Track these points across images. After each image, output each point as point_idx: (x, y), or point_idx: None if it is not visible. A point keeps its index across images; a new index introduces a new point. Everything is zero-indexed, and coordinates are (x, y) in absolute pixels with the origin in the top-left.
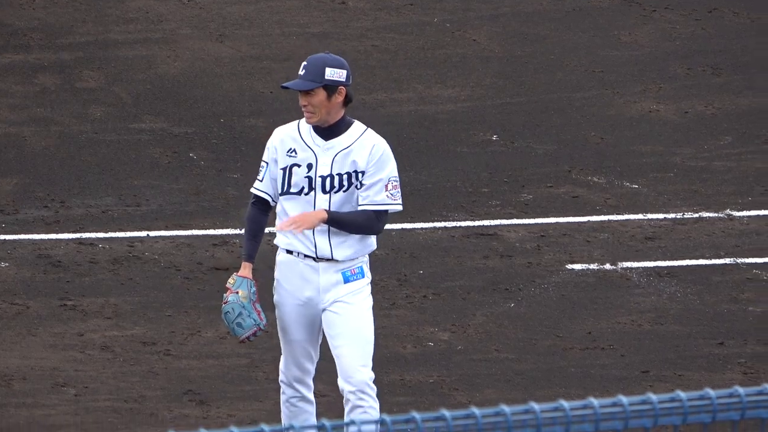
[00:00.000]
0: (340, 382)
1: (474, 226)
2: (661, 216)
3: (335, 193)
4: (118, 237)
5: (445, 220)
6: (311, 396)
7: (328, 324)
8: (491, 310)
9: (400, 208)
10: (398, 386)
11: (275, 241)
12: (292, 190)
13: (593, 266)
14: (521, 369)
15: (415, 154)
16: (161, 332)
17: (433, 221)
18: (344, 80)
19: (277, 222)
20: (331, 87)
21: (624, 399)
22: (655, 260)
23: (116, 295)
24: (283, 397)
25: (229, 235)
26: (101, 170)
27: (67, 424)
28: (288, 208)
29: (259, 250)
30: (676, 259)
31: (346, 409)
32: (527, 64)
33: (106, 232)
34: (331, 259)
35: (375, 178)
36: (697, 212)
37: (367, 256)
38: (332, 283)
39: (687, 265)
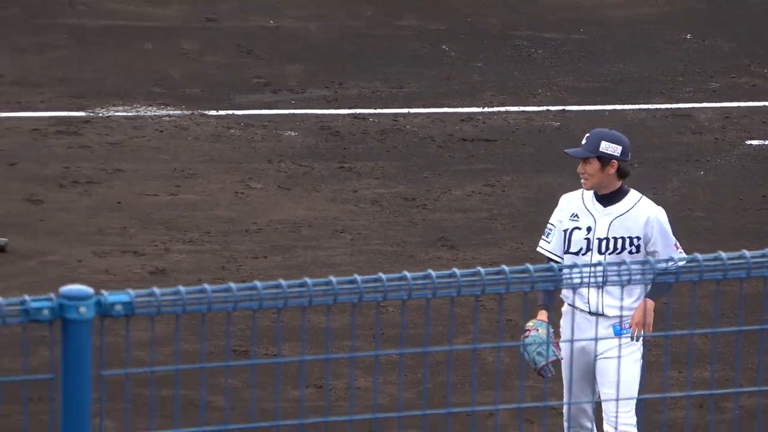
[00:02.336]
0: (605, 425)
1: (671, 108)
2: None
3: (609, 254)
4: (385, 113)
5: (648, 103)
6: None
7: (599, 371)
8: (685, 177)
9: (684, 258)
10: None
11: (561, 295)
12: (571, 249)
13: None
14: (708, 225)
15: (625, 49)
16: (419, 190)
17: (638, 104)
18: (618, 155)
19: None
20: (604, 159)
21: None
22: None
23: (384, 159)
24: (565, 425)
25: (473, 112)
26: (372, 58)
27: (344, 263)
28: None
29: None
30: None
31: None
32: None
33: (375, 108)
34: (602, 315)
35: (663, 246)
36: None
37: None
38: (604, 336)
39: None
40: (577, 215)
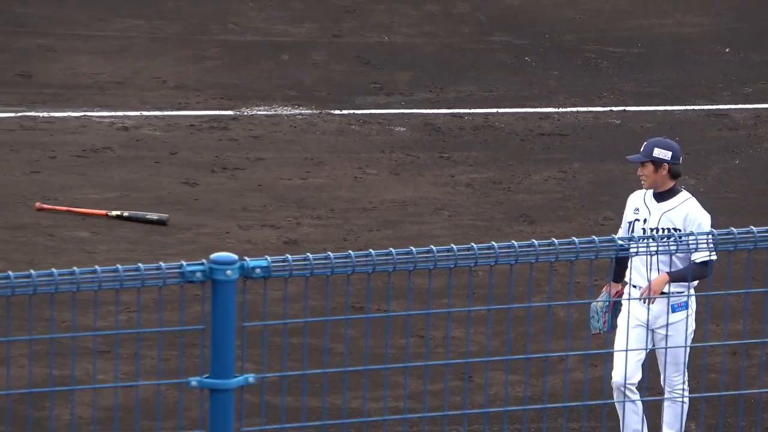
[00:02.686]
0: (663, 384)
1: (712, 109)
2: None
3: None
4: (478, 112)
5: (693, 105)
6: (635, 396)
7: (656, 342)
8: (723, 165)
9: (715, 257)
10: None
11: (626, 277)
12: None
13: None
14: (743, 204)
15: (675, 60)
16: (505, 175)
17: (685, 105)
18: (668, 159)
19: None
20: (657, 163)
21: None
22: None
23: (476, 150)
24: (615, 393)
25: (550, 112)
26: (468, 67)
27: (443, 235)
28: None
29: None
30: None
31: (666, 403)
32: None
33: (470, 108)
34: (661, 293)
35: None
36: None
37: (692, 290)
38: (661, 311)
39: None
40: (638, 209)
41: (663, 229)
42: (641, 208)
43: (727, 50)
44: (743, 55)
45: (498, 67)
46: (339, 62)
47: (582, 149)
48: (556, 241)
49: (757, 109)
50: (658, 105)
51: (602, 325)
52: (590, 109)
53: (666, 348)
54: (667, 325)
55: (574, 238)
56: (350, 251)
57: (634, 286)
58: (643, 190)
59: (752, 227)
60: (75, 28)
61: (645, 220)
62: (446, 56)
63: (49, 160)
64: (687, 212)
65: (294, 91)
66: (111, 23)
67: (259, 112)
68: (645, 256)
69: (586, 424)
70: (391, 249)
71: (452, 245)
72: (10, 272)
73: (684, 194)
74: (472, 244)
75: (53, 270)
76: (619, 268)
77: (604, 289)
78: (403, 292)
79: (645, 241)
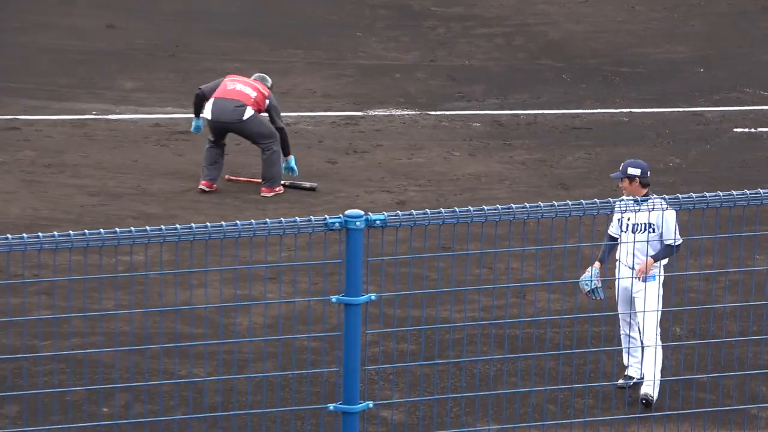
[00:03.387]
0: (642, 336)
1: (691, 110)
2: None
3: (639, 233)
4: (528, 113)
5: (677, 107)
6: (636, 336)
7: (634, 304)
8: (699, 150)
9: (680, 241)
10: None
11: (616, 255)
12: (622, 229)
13: None
14: (712, 176)
15: (664, 76)
16: (548, 156)
17: (672, 108)
18: (639, 174)
19: (618, 249)
20: (630, 178)
21: None
22: None
23: (528, 139)
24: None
25: (579, 113)
26: (522, 82)
27: (505, 197)
28: (623, 239)
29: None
30: None
31: (645, 353)
32: None
33: (523, 110)
34: (633, 268)
35: (666, 231)
36: None
37: (660, 266)
38: (638, 282)
39: None
40: (623, 210)
41: (642, 224)
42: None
43: (701, 70)
44: (713, 72)
45: (543, 81)
46: (434, 78)
47: (601, 138)
48: (583, 201)
49: (723, 110)
50: (654, 108)
51: (591, 286)
52: (607, 110)
53: (644, 311)
54: (645, 291)
55: (596, 200)
56: (441, 209)
57: (621, 263)
58: (625, 197)
59: (705, 193)
60: (258, 55)
61: (629, 218)
62: (508, 74)
63: (235, 146)
64: (658, 213)
65: (403, 99)
66: (281, 52)
67: (379, 113)
68: (630, 241)
69: (604, 328)
70: (469, 207)
71: (511, 205)
72: (207, 223)
73: (655, 199)
74: (525, 204)
75: (237, 222)
76: (607, 249)
77: (593, 266)
78: (478, 236)
79: (632, 232)
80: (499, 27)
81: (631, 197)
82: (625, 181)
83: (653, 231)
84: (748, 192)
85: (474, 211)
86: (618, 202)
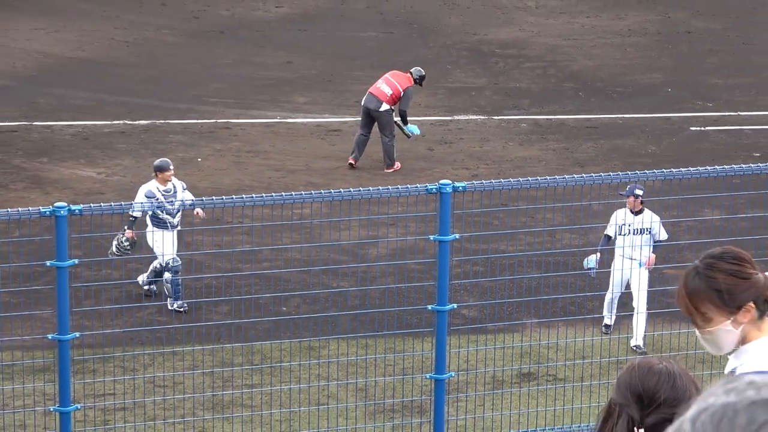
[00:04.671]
0: (636, 305)
1: (664, 116)
2: None
3: (641, 235)
4: (556, 118)
5: (656, 114)
6: (615, 303)
7: (631, 282)
8: (670, 141)
9: (667, 236)
10: None
11: (616, 246)
12: (623, 233)
13: None
14: (679, 158)
15: (645, 94)
16: (569, 145)
17: (653, 114)
18: (641, 194)
19: (623, 246)
20: (636, 196)
21: None
22: None
23: (556, 134)
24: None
25: (591, 118)
26: (553, 98)
27: (542, 172)
28: (626, 241)
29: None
30: None
31: (639, 317)
32: None
33: (553, 116)
34: (633, 259)
35: (658, 231)
36: None
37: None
38: (636, 268)
39: None
40: (624, 218)
41: (640, 229)
42: (627, 220)
43: (669, 89)
44: (676, 91)
45: (567, 97)
46: (497, 95)
47: (606, 134)
48: (593, 174)
49: (683, 116)
50: (639, 114)
51: (594, 267)
52: (608, 116)
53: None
54: (639, 276)
55: (601, 173)
56: (501, 179)
57: (627, 257)
58: (624, 209)
59: (672, 169)
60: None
61: (630, 225)
62: (545, 93)
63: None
64: (651, 218)
65: (477, 108)
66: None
67: (461, 118)
68: (632, 239)
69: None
70: (518, 178)
71: (546, 177)
72: (350, 188)
73: (647, 210)
74: (555, 176)
75: (369, 188)
76: (605, 243)
77: (595, 255)
78: (525, 197)
79: (633, 234)
80: (539, 62)
81: (630, 209)
82: (631, 198)
83: (648, 233)
84: (699, 168)
85: (522, 180)
86: (619, 213)
